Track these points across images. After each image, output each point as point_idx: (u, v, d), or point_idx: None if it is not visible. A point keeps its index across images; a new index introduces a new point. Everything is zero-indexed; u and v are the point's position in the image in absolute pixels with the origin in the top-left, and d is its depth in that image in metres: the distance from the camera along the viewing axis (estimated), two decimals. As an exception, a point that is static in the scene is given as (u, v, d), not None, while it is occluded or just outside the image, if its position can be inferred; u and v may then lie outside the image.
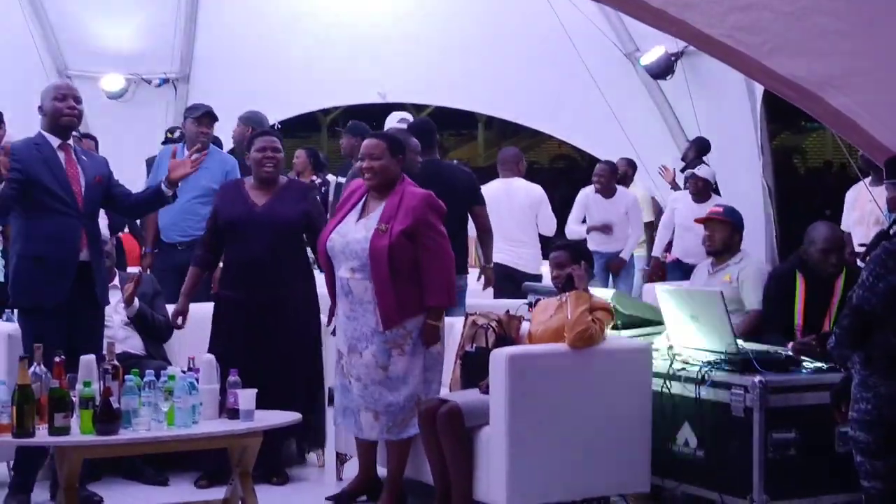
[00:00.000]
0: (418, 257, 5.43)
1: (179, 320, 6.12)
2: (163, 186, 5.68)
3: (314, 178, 10.09)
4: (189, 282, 6.15)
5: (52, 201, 5.39)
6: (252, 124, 8.03)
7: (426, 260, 5.43)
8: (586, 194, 9.80)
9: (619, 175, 10.00)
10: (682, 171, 10.00)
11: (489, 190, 8.28)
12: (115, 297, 6.20)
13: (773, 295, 6.04)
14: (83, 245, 5.47)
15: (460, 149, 24.03)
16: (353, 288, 5.50)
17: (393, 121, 7.23)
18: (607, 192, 9.65)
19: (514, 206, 8.31)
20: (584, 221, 9.73)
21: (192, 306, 6.23)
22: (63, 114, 5.49)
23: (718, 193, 9.48)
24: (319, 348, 6.15)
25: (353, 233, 5.52)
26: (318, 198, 9.59)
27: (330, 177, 10.66)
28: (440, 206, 5.55)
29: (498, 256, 7.67)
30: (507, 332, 5.65)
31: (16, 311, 5.76)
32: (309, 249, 6.28)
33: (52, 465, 5.51)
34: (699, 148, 9.82)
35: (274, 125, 11.37)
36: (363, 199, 5.62)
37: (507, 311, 5.79)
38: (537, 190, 8.52)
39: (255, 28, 11.12)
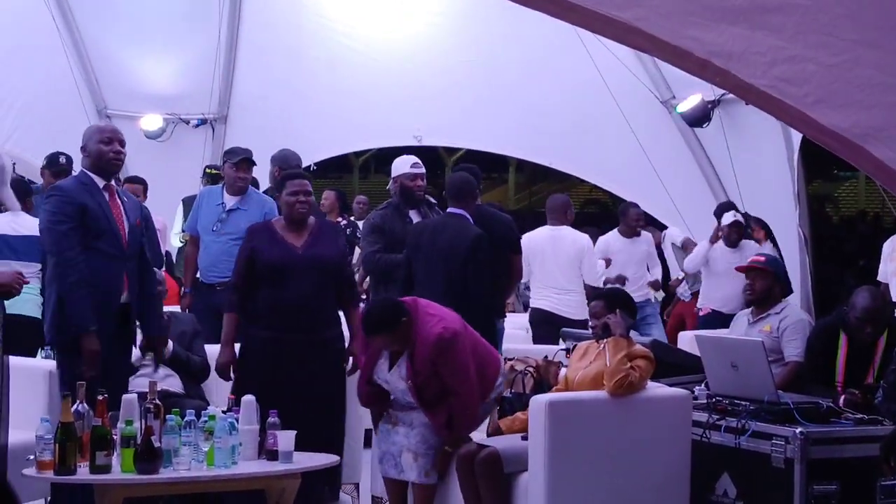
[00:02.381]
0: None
1: (231, 372, 6.00)
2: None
3: (340, 219, 10.14)
4: (229, 329, 6.08)
5: (97, 242, 5.39)
6: (280, 164, 8.05)
7: (451, 398, 5.50)
8: (608, 241, 9.73)
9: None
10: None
11: (536, 236, 8.35)
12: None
13: (816, 347, 6.02)
14: (125, 287, 5.49)
15: (491, 192, 24.11)
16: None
17: (405, 165, 7.19)
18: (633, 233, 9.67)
19: (559, 254, 8.35)
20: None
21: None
22: (109, 158, 5.53)
23: (751, 235, 9.43)
24: (344, 395, 6.13)
25: (394, 382, 5.61)
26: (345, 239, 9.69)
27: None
28: (451, 343, 5.47)
29: (541, 302, 7.68)
30: (544, 377, 5.65)
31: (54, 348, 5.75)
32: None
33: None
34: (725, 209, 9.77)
35: (309, 166, 11.50)
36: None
37: (546, 357, 5.79)
38: (583, 239, 8.56)
39: (293, 70, 11.24)
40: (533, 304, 8.46)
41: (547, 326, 7.80)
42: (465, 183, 6.76)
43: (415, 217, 7.04)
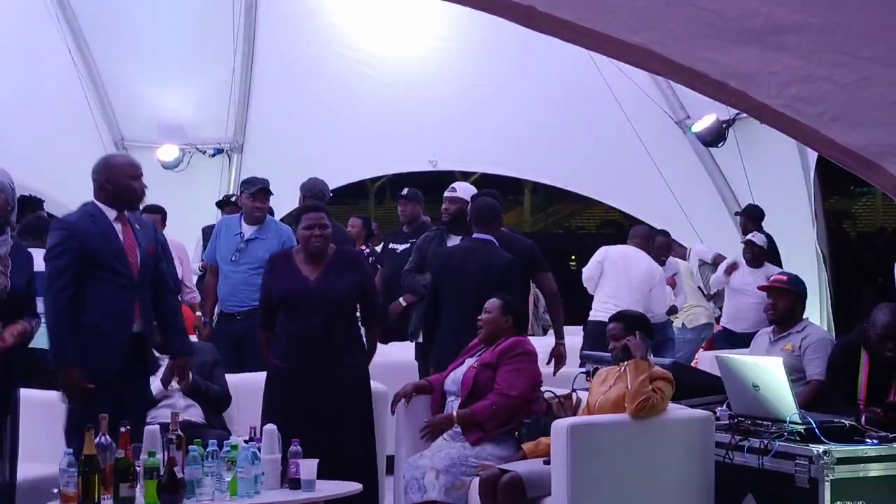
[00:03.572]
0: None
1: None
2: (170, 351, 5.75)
3: (364, 247, 10.16)
4: (266, 345, 6.12)
5: (106, 273, 5.34)
6: (307, 191, 8.10)
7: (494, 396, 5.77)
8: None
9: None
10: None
11: (615, 250, 8.69)
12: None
13: (838, 366, 6.00)
14: (136, 316, 5.43)
15: (507, 214, 24.01)
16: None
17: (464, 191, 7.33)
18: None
19: (633, 273, 8.46)
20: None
21: (249, 376, 6.26)
22: (138, 195, 5.56)
23: (779, 259, 9.42)
24: (371, 418, 6.15)
25: (459, 372, 5.91)
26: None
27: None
28: (527, 352, 5.87)
29: (600, 315, 7.73)
30: (557, 415, 5.62)
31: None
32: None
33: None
34: (753, 216, 9.79)
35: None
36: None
37: (557, 398, 5.77)
38: (659, 270, 8.70)
39: (307, 98, 11.29)
40: (592, 316, 8.51)
41: (602, 340, 7.82)
42: (489, 208, 6.82)
43: (451, 242, 7.11)
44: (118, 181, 5.47)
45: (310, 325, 5.92)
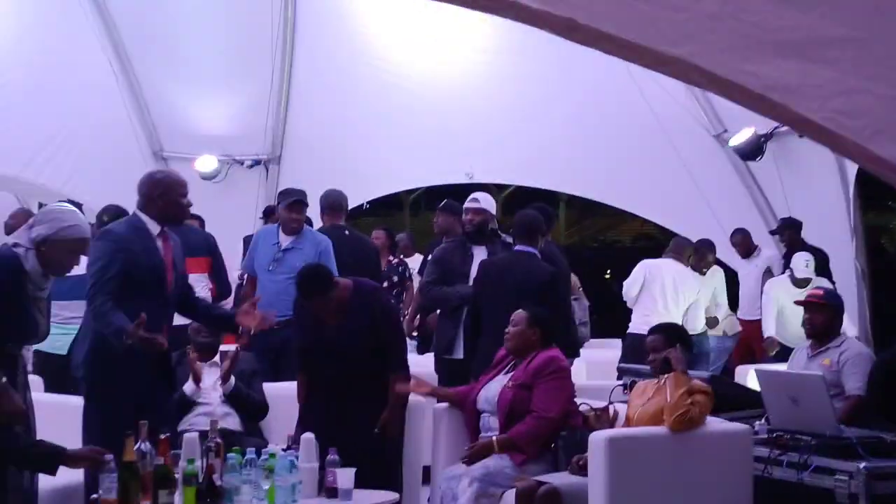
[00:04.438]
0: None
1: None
2: (232, 321, 5.74)
3: (391, 258, 10.19)
4: (301, 389, 6.12)
5: (143, 288, 5.35)
6: (324, 204, 8.12)
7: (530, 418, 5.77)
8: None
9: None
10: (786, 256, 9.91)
11: (659, 264, 8.81)
12: (215, 374, 6.30)
13: (878, 380, 5.96)
14: (165, 332, 5.41)
15: (541, 228, 24.02)
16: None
17: (469, 200, 7.32)
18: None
19: (678, 290, 8.47)
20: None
21: (285, 385, 6.29)
22: (186, 213, 5.63)
23: (829, 273, 9.36)
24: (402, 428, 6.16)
25: (492, 388, 5.91)
26: (396, 278, 9.72)
27: (417, 256, 10.77)
28: (562, 369, 5.86)
29: (640, 328, 7.74)
30: (594, 428, 5.59)
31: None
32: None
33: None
34: (795, 228, 9.73)
35: (362, 205, 11.58)
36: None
37: (595, 411, 5.75)
38: (698, 284, 8.71)
39: (345, 110, 11.34)
40: (632, 329, 8.50)
41: (641, 353, 7.82)
42: (533, 221, 6.82)
43: (478, 252, 7.10)
44: (170, 197, 5.50)
45: (334, 370, 5.95)
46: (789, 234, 9.83)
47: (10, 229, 9.36)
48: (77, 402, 5.76)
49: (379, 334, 5.97)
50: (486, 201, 7.33)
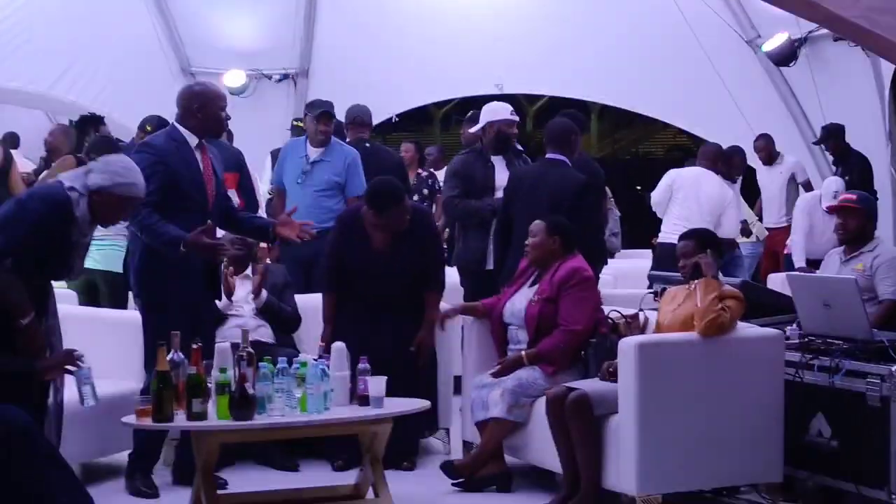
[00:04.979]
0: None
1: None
2: (271, 230, 5.72)
3: (421, 171, 10.14)
4: (327, 310, 6.17)
5: (184, 201, 5.38)
6: (347, 119, 8.08)
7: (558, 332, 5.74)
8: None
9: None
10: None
11: (685, 172, 8.67)
12: (247, 287, 6.33)
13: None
14: None
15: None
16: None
17: (505, 111, 7.15)
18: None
19: (703, 195, 8.38)
20: None
21: (316, 297, 6.31)
22: (224, 125, 5.65)
23: (870, 182, 9.22)
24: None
25: (517, 302, 5.86)
26: (426, 190, 9.69)
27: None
28: (587, 279, 5.78)
29: (670, 237, 7.69)
30: (623, 335, 5.58)
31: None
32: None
33: (178, 450, 5.65)
34: (838, 135, 9.54)
35: (391, 118, 11.54)
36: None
37: (625, 318, 5.74)
38: (730, 191, 8.58)
39: (373, 23, 11.24)
40: (662, 238, 8.45)
41: (672, 262, 7.78)
42: (565, 129, 6.73)
43: (498, 163, 7.02)
44: (209, 110, 5.50)
45: (379, 290, 6.06)
46: (833, 142, 9.63)
47: (49, 146, 9.41)
48: (134, 316, 5.84)
49: (425, 257, 6.13)
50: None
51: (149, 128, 7.76)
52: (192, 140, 5.50)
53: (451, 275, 7.02)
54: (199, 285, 5.52)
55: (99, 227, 4.86)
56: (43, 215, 4.55)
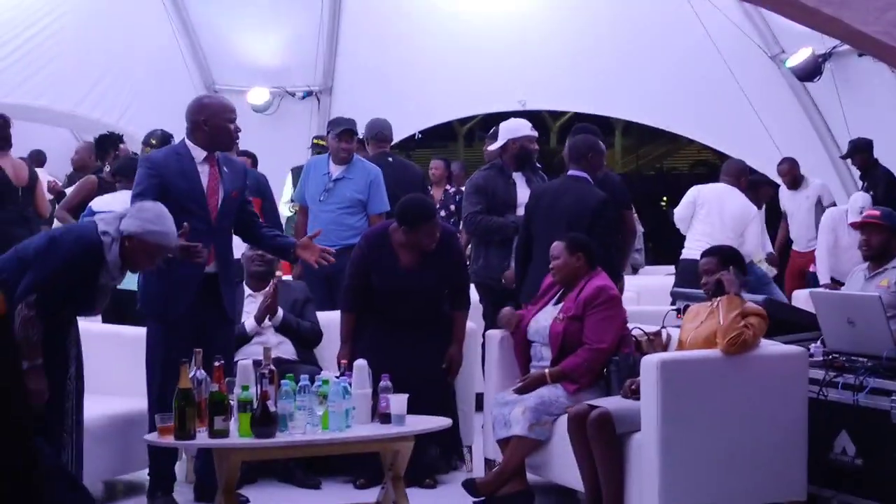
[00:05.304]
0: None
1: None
2: (292, 250, 5.73)
3: (448, 187, 10.15)
4: (347, 328, 6.19)
5: (183, 213, 5.30)
6: (367, 134, 8.11)
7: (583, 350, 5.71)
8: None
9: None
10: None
11: (708, 188, 8.52)
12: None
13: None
14: (210, 258, 5.42)
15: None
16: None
17: (525, 128, 7.17)
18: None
19: (726, 211, 8.34)
20: None
21: (339, 313, 6.32)
22: (233, 137, 5.63)
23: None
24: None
25: (542, 319, 5.84)
26: (453, 206, 9.70)
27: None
28: (612, 298, 5.75)
29: (693, 253, 7.67)
30: (646, 353, 5.56)
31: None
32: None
33: (199, 466, 5.66)
34: (866, 150, 9.48)
35: (415, 135, 11.57)
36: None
37: (647, 335, 5.71)
38: (753, 208, 8.53)
39: (395, 40, 11.29)
40: (685, 255, 8.43)
41: (695, 278, 7.74)
42: (585, 145, 6.71)
43: (519, 180, 7.02)
44: (215, 122, 5.51)
45: (405, 311, 6.10)
46: (861, 157, 9.58)
47: (76, 164, 9.47)
48: (136, 332, 5.86)
49: (452, 276, 6.19)
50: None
51: (153, 142, 7.81)
52: (199, 154, 5.51)
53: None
54: (199, 302, 5.47)
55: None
56: (74, 255, 4.67)
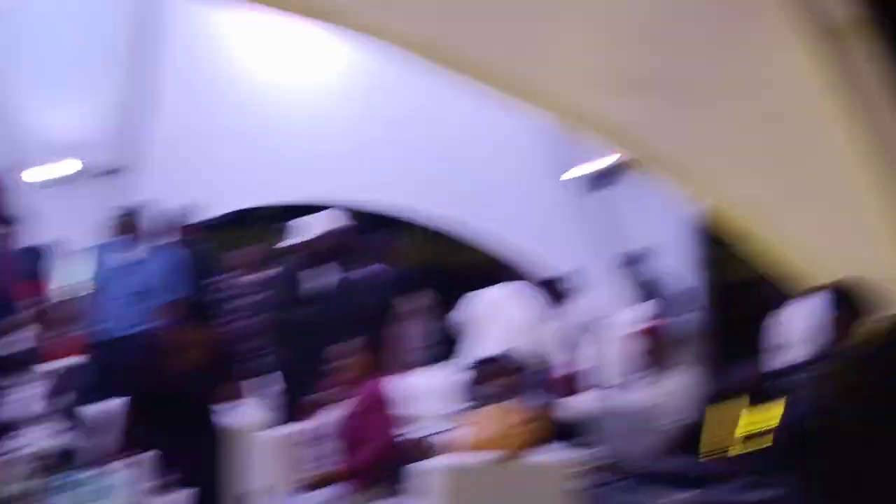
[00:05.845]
0: None
1: None
2: None
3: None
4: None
5: None
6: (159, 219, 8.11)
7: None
8: None
9: None
10: None
11: (489, 292, 8.67)
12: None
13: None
14: None
15: (386, 252, 23.82)
16: None
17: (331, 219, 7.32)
18: None
19: (509, 315, 8.49)
20: None
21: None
22: None
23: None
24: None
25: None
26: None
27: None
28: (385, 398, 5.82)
29: (475, 356, 7.75)
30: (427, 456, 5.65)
31: None
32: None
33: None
34: (640, 260, 9.87)
35: (211, 219, 11.46)
36: None
37: (427, 439, 5.81)
38: (535, 313, 8.70)
39: (203, 121, 11.15)
40: (469, 357, 8.48)
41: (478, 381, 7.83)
42: (375, 244, 6.83)
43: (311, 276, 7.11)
44: None
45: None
46: (635, 268, 10.00)
47: None
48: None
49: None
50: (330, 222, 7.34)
51: None
52: None
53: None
54: None
55: None
56: None
